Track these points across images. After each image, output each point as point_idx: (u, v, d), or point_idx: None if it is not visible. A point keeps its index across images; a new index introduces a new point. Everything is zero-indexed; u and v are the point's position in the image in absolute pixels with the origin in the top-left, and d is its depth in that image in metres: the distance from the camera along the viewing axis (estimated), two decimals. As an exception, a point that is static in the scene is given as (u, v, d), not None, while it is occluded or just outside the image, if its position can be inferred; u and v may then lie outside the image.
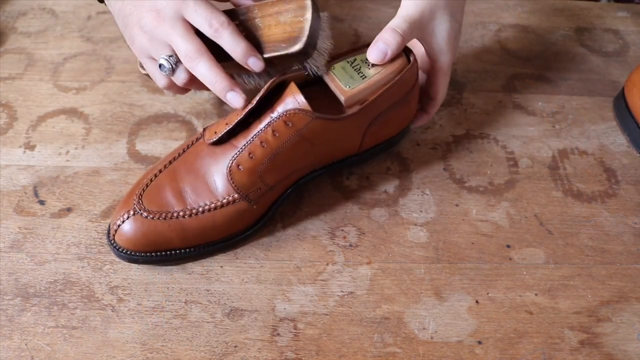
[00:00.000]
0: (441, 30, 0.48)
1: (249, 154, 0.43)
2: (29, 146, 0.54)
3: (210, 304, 0.44)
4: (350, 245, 0.48)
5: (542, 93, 0.61)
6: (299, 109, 0.42)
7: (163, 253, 0.44)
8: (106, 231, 0.47)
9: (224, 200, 0.44)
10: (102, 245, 0.47)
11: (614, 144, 0.56)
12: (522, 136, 0.57)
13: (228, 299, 0.44)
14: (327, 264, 0.46)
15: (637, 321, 0.44)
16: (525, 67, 0.64)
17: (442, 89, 0.52)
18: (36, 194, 0.50)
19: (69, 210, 0.49)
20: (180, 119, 0.57)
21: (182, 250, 0.45)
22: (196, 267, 0.46)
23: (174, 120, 0.57)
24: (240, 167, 0.43)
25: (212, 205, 0.44)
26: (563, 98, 0.61)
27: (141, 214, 0.43)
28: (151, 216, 0.43)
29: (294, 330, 0.43)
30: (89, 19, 0.67)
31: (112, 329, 0.42)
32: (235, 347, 0.42)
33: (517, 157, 0.55)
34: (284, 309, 0.44)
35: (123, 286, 0.44)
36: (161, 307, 0.43)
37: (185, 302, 0.44)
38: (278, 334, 0.42)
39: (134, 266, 0.46)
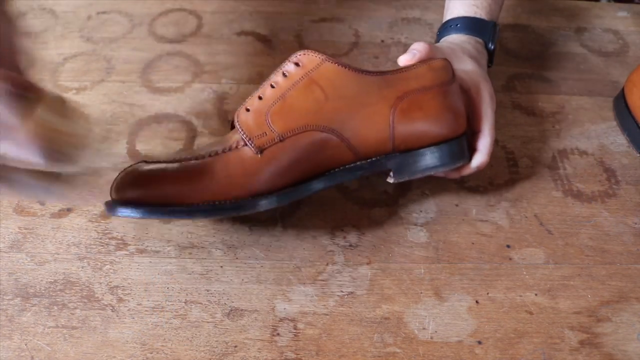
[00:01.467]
0: (469, 65, 0.50)
1: (259, 97, 0.43)
2: (29, 146, 0.54)
3: (210, 304, 0.44)
4: (350, 245, 0.48)
5: (542, 93, 0.61)
6: (309, 50, 0.42)
7: (154, 204, 0.40)
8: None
9: (227, 146, 0.42)
10: (102, 245, 0.47)
11: (614, 144, 0.56)
12: (522, 136, 0.57)
13: (228, 299, 0.44)
14: (327, 264, 0.46)
15: (637, 321, 0.44)
16: (525, 67, 0.64)
17: (484, 119, 0.48)
18: (36, 194, 0.50)
19: (69, 210, 0.49)
20: (180, 119, 0.57)
21: (174, 205, 0.41)
22: (196, 267, 0.46)
23: (174, 120, 0.57)
24: (248, 109, 0.43)
25: (214, 151, 0.42)
26: (563, 98, 0.61)
27: (145, 160, 0.43)
28: (156, 161, 0.43)
29: (294, 330, 0.43)
30: (89, 19, 0.67)
31: (112, 329, 0.42)
32: (235, 347, 0.42)
33: (517, 157, 0.55)
34: (284, 309, 0.44)
35: (123, 286, 0.44)
36: (161, 307, 0.43)
37: (185, 302, 0.44)
38: (278, 334, 0.42)
39: (134, 266, 0.46)
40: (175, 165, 0.42)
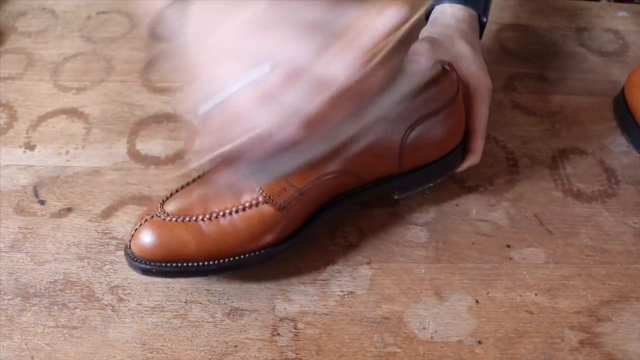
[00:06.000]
0: (466, 53, 0.48)
1: None
2: (29, 146, 0.54)
3: (210, 304, 0.44)
4: (350, 245, 0.48)
5: (542, 93, 0.61)
6: None
7: (179, 264, 0.42)
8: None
9: (246, 204, 0.42)
10: (102, 245, 0.47)
11: (614, 144, 0.56)
12: (522, 136, 0.57)
13: (228, 298, 0.44)
14: (327, 264, 0.46)
15: (637, 321, 0.44)
16: (525, 67, 0.64)
17: (479, 118, 0.48)
18: (36, 194, 0.50)
19: (69, 210, 0.49)
20: (180, 119, 0.57)
21: (201, 263, 0.42)
22: (196, 267, 0.46)
23: (174, 120, 0.57)
24: None
25: (234, 208, 0.42)
26: (563, 98, 0.61)
27: (159, 216, 0.42)
28: (169, 218, 0.41)
29: (294, 330, 0.43)
30: (89, 19, 0.67)
31: (112, 328, 0.42)
32: (235, 347, 0.42)
33: (517, 157, 0.55)
34: (284, 308, 0.44)
35: (123, 286, 0.44)
36: (161, 307, 0.43)
37: (185, 302, 0.44)
38: (278, 334, 0.42)
39: (134, 266, 0.46)
40: (196, 224, 0.41)
